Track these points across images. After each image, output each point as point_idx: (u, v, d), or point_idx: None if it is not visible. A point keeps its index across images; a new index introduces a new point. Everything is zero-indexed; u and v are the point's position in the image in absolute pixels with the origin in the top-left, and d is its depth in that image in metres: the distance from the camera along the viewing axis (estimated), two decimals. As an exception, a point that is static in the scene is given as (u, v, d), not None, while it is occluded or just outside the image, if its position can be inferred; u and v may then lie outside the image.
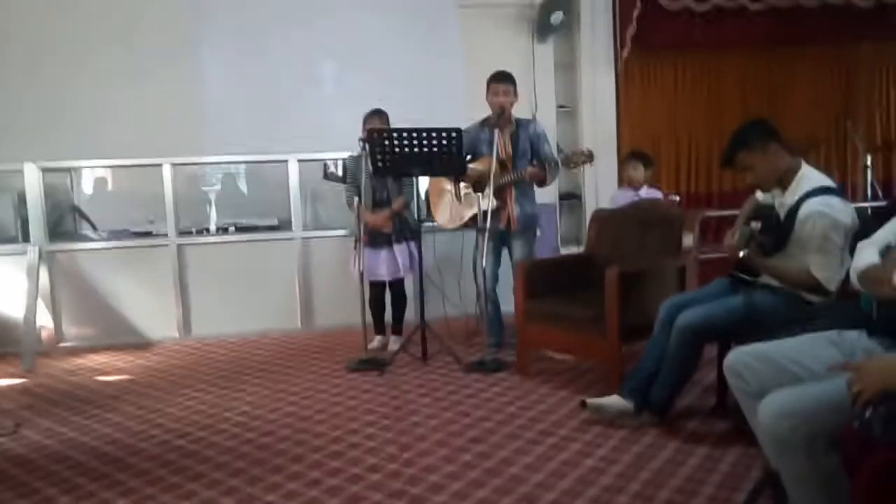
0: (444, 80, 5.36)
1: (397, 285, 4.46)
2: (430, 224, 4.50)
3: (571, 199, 6.11)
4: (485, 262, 3.93)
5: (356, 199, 4.18)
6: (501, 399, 3.42)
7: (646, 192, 4.50)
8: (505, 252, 4.28)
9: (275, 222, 5.23)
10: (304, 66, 5.32)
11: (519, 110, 4.29)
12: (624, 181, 4.73)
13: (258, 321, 5.02)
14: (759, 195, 2.91)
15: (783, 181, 2.73)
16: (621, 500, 2.35)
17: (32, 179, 4.77)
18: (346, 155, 4.58)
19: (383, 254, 4.31)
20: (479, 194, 4.04)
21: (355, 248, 4.19)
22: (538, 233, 4.36)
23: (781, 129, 2.78)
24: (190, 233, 5.09)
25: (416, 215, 4.26)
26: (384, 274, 4.33)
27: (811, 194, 2.62)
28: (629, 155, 4.73)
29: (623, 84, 6.07)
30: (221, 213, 5.45)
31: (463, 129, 3.90)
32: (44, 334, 4.78)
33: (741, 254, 2.76)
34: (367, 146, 3.91)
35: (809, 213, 2.59)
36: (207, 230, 5.21)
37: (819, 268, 2.58)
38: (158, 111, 5.00)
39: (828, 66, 6.48)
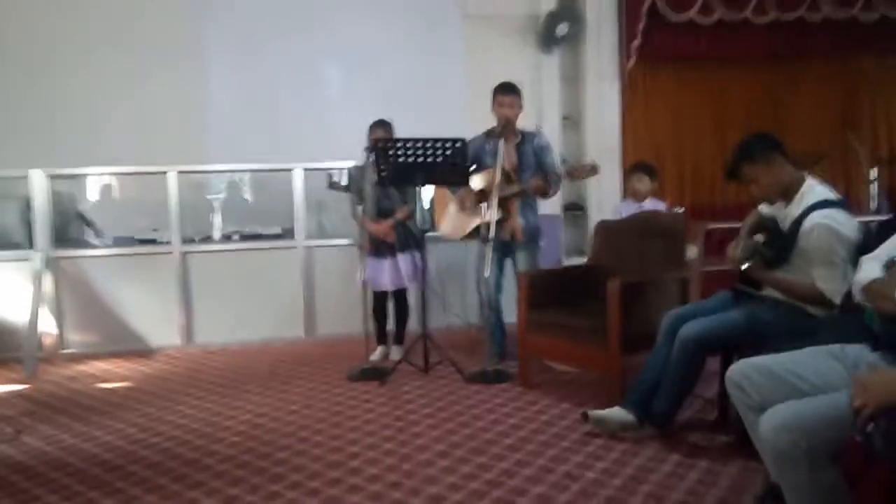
0: (448, 90, 5.38)
1: (400, 295, 4.46)
2: (433, 234, 4.50)
3: (575, 210, 6.11)
4: (488, 272, 3.93)
5: (360, 208, 4.18)
6: (503, 410, 3.41)
7: (650, 204, 4.49)
8: (508, 262, 4.28)
9: (278, 231, 5.24)
10: (309, 76, 5.35)
11: (524, 121, 4.30)
12: (628, 193, 4.71)
13: (261, 329, 5.02)
14: (763, 208, 2.92)
15: (787, 194, 2.73)
16: (622, 512, 2.35)
17: (39, 186, 4.80)
18: (350, 164, 4.59)
19: (387, 263, 4.31)
20: (484, 205, 4.05)
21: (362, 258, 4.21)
22: (542, 244, 4.36)
23: (785, 142, 2.78)
24: (194, 241, 5.10)
25: (419, 225, 4.26)
26: (387, 284, 4.33)
27: (815, 207, 2.62)
28: (634, 167, 4.71)
29: (628, 96, 6.08)
30: (225, 222, 5.46)
31: (468, 139, 3.91)
32: (46, 340, 4.78)
33: (745, 266, 2.76)
34: (372, 156, 3.92)
35: (813, 226, 2.59)
36: (211, 238, 5.23)
37: (824, 280, 2.57)
38: (164, 119, 5.03)
39: (831, 80, 6.48)
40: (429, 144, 3.80)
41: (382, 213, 4.32)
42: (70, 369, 4.51)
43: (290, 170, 5.06)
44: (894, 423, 1.50)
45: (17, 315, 4.65)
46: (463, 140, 3.81)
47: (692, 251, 3.57)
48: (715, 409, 3.18)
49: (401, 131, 4.19)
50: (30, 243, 4.83)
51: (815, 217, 2.60)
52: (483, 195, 4.09)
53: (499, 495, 2.49)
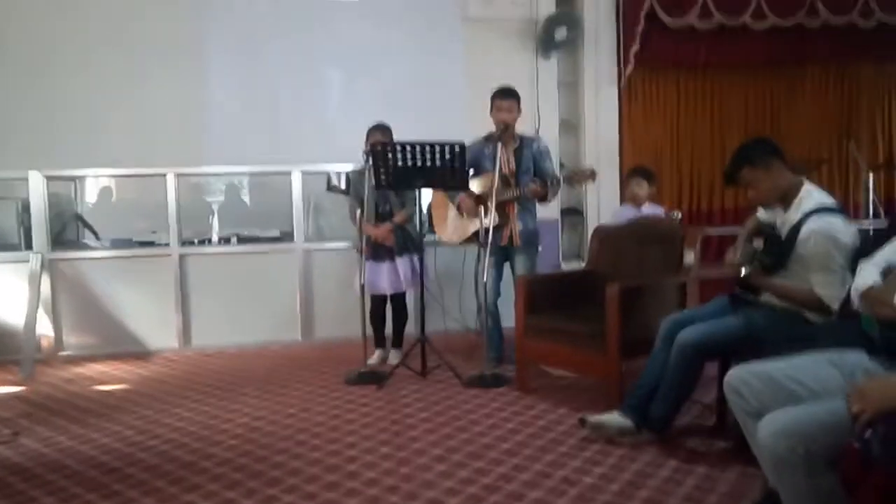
0: (447, 94, 5.38)
1: (398, 299, 4.46)
2: (431, 237, 4.50)
3: (573, 214, 6.11)
4: (486, 276, 3.93)
5: (359, 211, 4.19)
6: (500, 415, 3.41)
7: (648, 209, 4.49)
8: (506, 267, 4.28)
9: (277, 234, 5.24)
10: (308, 79, 5.34)
11: (522, 126, 4.31)
12: (627, 198, 4.70)
13: (258, 332, 5.01)
14: (761, 213, 2.92)
15: (785, 199, 2.74)
16: (620, 518, 2.34)
17: (36, 187, 4.79)
18: (349, 167, 4.60)
19: (385, 267, 4.31)
20: (482, 209, 4.05)
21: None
22: (540, 248, 4.36)
23: (783, 147, 2.79)
24: (192, 243, 5.10)
25: (418, 228, 4.26)
26: (385, 287, 4.33)
27: (813, 213, 2.62)
28: (632, 171, 4.70)
29: (626, 101, 6.09)
30: (224, 224, 5.46)
31: (466, 144, 3.92)
32: (44, 342, 4.77)
33: (743, 272, 2.76)
34: (371, 159, 3.92)
35: (811, 232, 2.59)
36: (209, 240, 5.22)
37: (822, 286, 2.58)
38: (163, 121, 5.02)
39: (829, 86, 6.51)
40: (428, 148, 3.80)
41: (381, 216, 4.33)
42: (67, 371, 4.51)
43: (288, 173, 5.07)
44: (892, 430, 1.50)
45: (15, 317, 4.64)
46: (462, 144, 3.82)
47: (690, 256, 3.57)
48: (713, 415, 3.18)
49: (400, 135, 4.19)
50: (28, 245, 4.82)
51: (813, 223, 2.60)
52: (481, 199, 4.09)
53: (496, 500, 2.49)
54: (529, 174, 4.12)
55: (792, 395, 1.93)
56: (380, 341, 4.51)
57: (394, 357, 4.40)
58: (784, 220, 2.75)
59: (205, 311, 5.00)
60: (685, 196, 6.35)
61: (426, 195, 4.41)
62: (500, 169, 3.98)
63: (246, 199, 6.23)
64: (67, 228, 5.33)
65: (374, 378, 3.97)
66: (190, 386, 4.08)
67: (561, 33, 5.64)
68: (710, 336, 2.75)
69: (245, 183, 6.14)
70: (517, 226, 4.14)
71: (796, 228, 2.65)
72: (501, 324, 4.33)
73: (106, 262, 4.93)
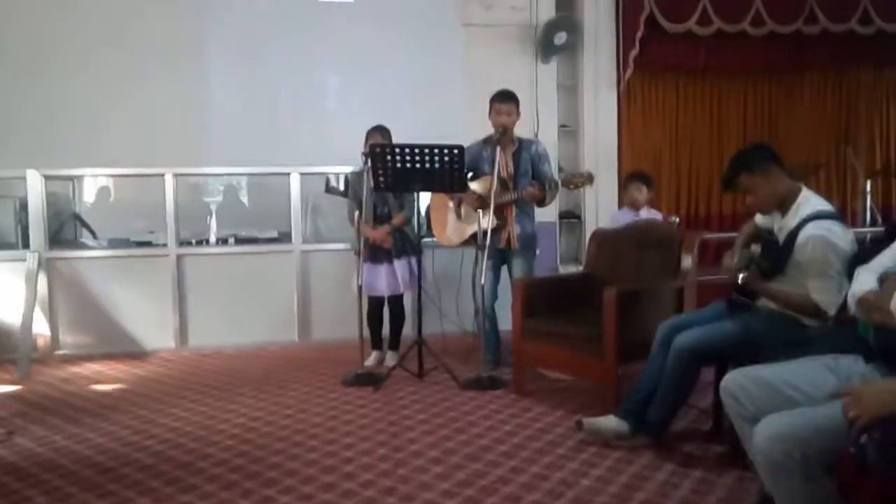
0: (446, 97, 5.39)
1: (396, 301, 4.46)
2: (429, 240, 4.50)
3: (571, 218, 6.12)
4: (483, 279, 3.93)
5: (357, 213, 4.19)
6: (497, 417, 3.41)
7: (646, 214, 4.50)
8: (504, 270, 4.29)
9: (275, 234, 5.24)
10: (307, 81, 5.34)
11: (521, 129, 4.32)
12: (626, 202, 4.70)
13: (255, 333, 5.01)
14: (759, 218, 2.93)
15: (783, 205, 2.74)
16: (616, 521, 2.35)
17: (34, 186, 4.79)
18: (348, 169, 4.59)
19: (383, 269, 4.31)
20: (480, 212, 4.05)
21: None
22: (537, 251, 4.36)
23: (781, 153, 2.80)
24: (190, 243, 5.10)
25: (416, 231, 4.26)
26: (383, 289, 4.33)
27: (811, 219, 2.63)
28: (631, 176, 4.70)
29: (625, 105, 6.10)
30: (222, 224, 5.45)
31: (465, 146, 3.92)
32: (40, 341, 4.75)
33: (741, 277, 2.77)
34: (370, 161, 3.93)
35: (809, 238, 2.60)
36: (207, 241, 5.22)
37: (819, 292, 2.58)
38: (162, 121, 5.01)
39: (828, 92, 6.52)
40: (426, 151, 3.81)
41: (379, 218, 4.33)
42: (63, 371, 4.50)
43: (287, 174, 5.07)
44: (888, 435, 1.51)
45: (11, 316, 4.63)
46: (460, 147, 3.82)
47: (687, 261, 3.58)
48: (709, 419, 3.18)
49: (399, 137, 4.20)
50: (25, 244, 4.81)
51: (811, 229, 2.61)
52: (480, 202, 4.10)
53: (493, 502, 2.49)
54: (528, 177, 4.13)
55: (788, 400, 1.94)
56: (377, 343, 4.51)
57: (391, 359, 4.40)
58: (782, 225, 2.76)
59: (202, 311, 4.99)
60: (683, 200, 6.36)
61: (425, 197, 4.41)
62: (499, 172, 3.98)
63: (244, 199, 6.22)
64: (65, 228, 5.32)
65: (371, 380, 3.97)
66: (186, 386, 4.07)
67: (560, 38, 5.65)
68: (706, 341, 2.76)
69: (243, 183, 6.13)
70: (515, 229, 4.15)
71: (794, 234, 2.66)
72: (499, 327, 4.33)
73: (103, 262, 4.92)
